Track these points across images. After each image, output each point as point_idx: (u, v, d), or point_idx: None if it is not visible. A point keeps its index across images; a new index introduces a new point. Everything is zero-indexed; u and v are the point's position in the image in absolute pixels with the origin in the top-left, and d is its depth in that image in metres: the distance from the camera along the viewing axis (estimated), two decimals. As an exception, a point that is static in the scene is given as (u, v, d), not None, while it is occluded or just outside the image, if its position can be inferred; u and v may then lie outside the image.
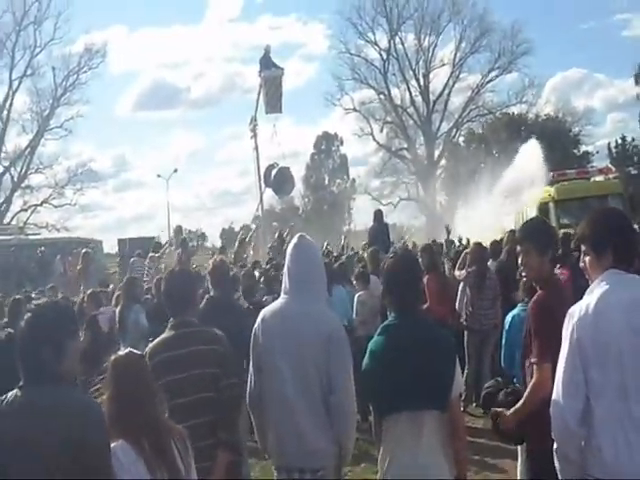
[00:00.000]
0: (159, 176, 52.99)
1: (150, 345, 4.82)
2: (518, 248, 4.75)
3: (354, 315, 10.05)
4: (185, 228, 54.54)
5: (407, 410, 4.02)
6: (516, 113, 54.50)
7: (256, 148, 27.07)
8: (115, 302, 10.63)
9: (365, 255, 13.69)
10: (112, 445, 3.27)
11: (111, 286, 14.85)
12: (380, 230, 16.48)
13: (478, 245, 10.87)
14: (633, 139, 54.54)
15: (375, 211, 17.57)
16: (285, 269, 4.76)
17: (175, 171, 51.73)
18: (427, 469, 3.98)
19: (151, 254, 17.43)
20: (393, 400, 4.05)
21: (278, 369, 4.43)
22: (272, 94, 25.53)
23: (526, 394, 4.39)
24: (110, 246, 37.57)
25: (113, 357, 3.62)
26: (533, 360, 4.36)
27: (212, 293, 7.03)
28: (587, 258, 3.78)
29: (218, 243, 28.89)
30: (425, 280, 9.28)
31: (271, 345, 4.49)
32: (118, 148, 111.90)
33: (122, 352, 3.67)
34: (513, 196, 25.89)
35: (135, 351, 3.72)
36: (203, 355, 4.59)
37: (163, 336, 4.80)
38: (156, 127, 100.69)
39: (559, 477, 3.69)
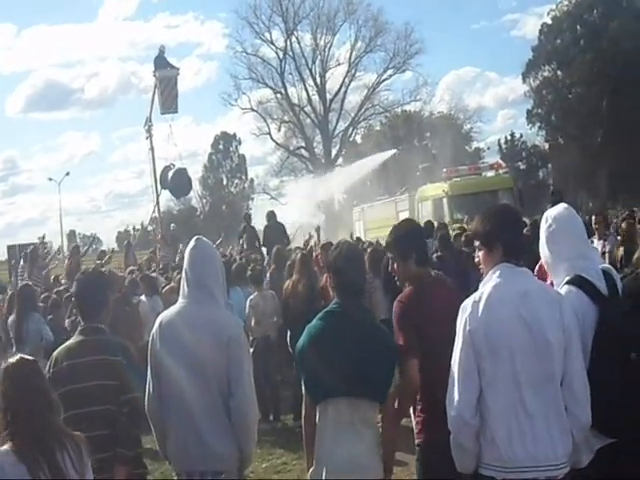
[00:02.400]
0: (51, 179, 51.63)
1: (57, 350, 4.68)
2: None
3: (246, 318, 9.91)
4: (79, 232, 53.25)
5: (346, 397, 4.04)
6: (412, 111, 55.66)
7: (152, 149, 26.61)
8: (7, 311, 10.22)
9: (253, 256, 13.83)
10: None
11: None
12: (276, 229, 16.60)
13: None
14: (521, 135, 56.83)
15: (268, 212, 18.03)
16: (183, 272, 4.70)
17: (67, 174, 50.79)
18: (365, 467, 4.02)
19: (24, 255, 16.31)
20: (332, 384, 4.04)
21: (177, 374, 4.35)
22: (167, 94, 25.12)
23: (399, 393, 4.41)
24: (0, 252, 36.27)
25: (4, 363, 3.51)
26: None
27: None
28: (480, 253, 3.91)
29: (114, 247, 28.33)
30: (324, 279, 9.34)
31: (169, 350, 4.41)
32: (7, 151, 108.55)
33: (13, 358, 3.56)
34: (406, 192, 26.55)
35: (27, 357, 3.61)
36: (107, 366, 4.42)
37: (70, 341, 4.65)
38: (48, 129, 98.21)
39: (456, 466, 3.78)
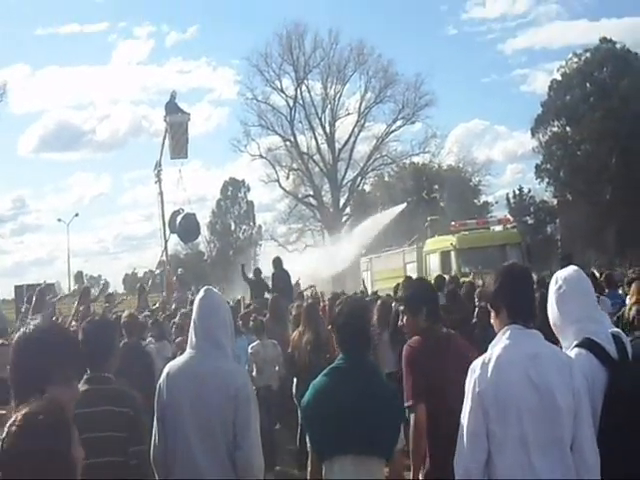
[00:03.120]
0: (60, 220, 51.96)
1: None
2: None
3: (246, 367, 9.78)
4: (86, 273, 53.32)
5: (352, 454, 4.03)
6: (421, 163, 55.98)
7: (161, 193, 26.81)
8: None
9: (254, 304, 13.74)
10: None
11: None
12: (281, 277, 16.49)
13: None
14: (529, 190, 56.96)
15: (274, 259, 17.68)
16: (192, 322, 4.69)
17: (76, 215, 50.95)
18: None
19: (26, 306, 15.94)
20: (338, 441, 4.04)
21: (183, 426, 4.33)
22: (177, 139, 25.39)
23: (410, 441, 4.49)
24: (7, 292, 36.29)
25: None
26: (407, 404, 4.50)
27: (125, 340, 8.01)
28: (492, 314, 3.90)
29: (120, 289, 28.55)
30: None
31: (176, 402, 4.39)
32: (18, 190, 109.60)
33: None
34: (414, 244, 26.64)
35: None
36: (114, 417, 4.39)
37: None
38: (59, 169, 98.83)
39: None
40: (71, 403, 2.93)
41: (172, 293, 21.07)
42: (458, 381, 3.90)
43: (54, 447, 2.30)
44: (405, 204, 36.88)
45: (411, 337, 4.87)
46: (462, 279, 16.64)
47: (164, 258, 27.59)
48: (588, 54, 52.04)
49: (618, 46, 51.54)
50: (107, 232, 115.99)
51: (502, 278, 3.91)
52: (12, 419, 2.31)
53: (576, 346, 3.99)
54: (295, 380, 9.41)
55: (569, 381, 3.61)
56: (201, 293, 4.71)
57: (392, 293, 13.61)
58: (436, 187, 54.17)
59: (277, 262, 17.28)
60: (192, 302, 5.19)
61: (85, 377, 4.62)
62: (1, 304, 29.56)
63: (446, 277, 15.34)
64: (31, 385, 2.73)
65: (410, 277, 12.41)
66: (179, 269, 28.33)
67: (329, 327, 4.66)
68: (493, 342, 3.79)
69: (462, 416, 3.68)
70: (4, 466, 2.24)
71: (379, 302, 11.18)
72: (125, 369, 4.89)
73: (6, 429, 2.28)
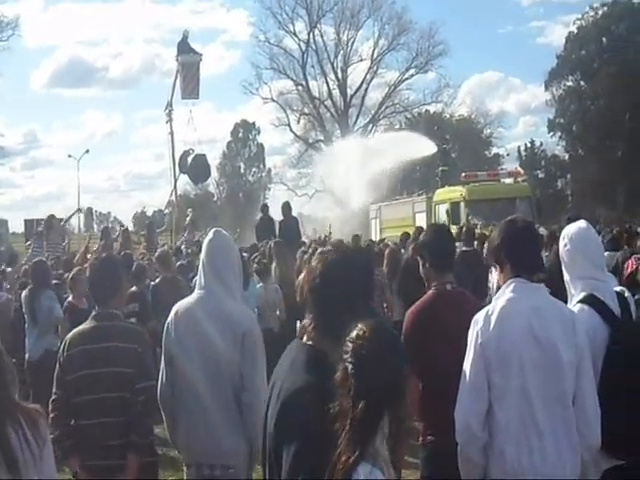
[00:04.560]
0: (70, 156, 51.84)
1: (69, 334, 4.72)
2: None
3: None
4: (96, 210, 53.44)
5: None
6: (434, 112, 55.43)
7: (171, 133, 26.73)
8: (19, 286, 10.34)
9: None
10: None
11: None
12: (290, 224, 16.31)
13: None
14: (541, 143, 56.44)
15: (283, 204, 17.04)
16: (200, 263, 4.74)
17: (87, 152, 50.62)
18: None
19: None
20: None
21: (190, 366, 4.38)
22: (189, 79, 25.23)
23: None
24: (17, 225, 36.42)
25: None
26: None
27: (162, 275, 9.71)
28: (497, 269, 3.93)
29: (130, 227, 28.72)
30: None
31: (183, 342, 4.44)
32: (29, 124, 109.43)
33: None
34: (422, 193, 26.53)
35: None
36: (121, 353, 4.45)
37: (83, 326, 4.68)
38: (70, 105, 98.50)
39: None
40: None
41: (180, 233, 21.08)
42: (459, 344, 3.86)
43: (401, 351, 2.69)
44: (437, 148, 35.05)
45: (428, 286, 4.81)
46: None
47: (173, 198, 27.63)
48: (605, 8, 50.97)
49: (636, 0, 50.47)
50: (117, 170, 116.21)
51: (505, 232, 3.88)
52: (355, 333, 2.51)
53: (579, 302, 4.02)
54: (298, 323, 9.49)
55: (572, 335, 3.62)
56: (210, 235, 4.72)
57: (399, 242, 13.58)
58: (447, 137, 53.68)
59: (286, 208, 16.56)
60: (200, 243, 5.21)
61: (93, 313, 4.69)
62: (11, 237, 29.72)
63: (455, 228, 15.24)
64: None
65: (421, 227, 12.32)
66: (189, 209, 28.32)
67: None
68: (497, 295, 3.81)
69: (463, 368, 3.70)
70: (362, 369, 2.46)
71: (387, 250, 11.10)
72: (169, 303, 4.98)
73: (352, 342, 2.50)
